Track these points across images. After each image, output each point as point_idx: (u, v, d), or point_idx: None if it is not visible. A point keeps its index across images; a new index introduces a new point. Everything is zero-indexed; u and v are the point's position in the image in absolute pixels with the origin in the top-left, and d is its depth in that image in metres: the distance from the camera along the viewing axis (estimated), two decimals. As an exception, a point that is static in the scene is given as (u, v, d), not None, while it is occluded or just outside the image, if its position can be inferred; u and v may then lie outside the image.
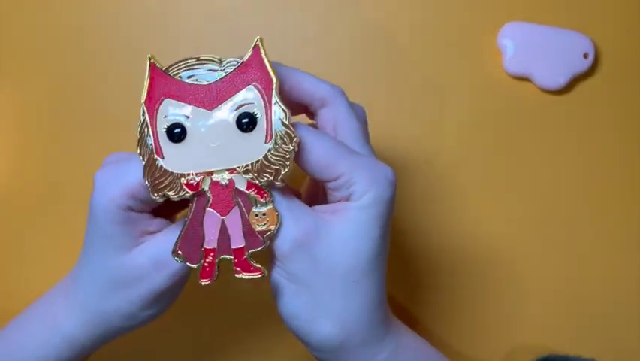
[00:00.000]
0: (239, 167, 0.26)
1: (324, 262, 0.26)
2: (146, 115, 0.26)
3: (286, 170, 0.25)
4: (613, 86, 0.42)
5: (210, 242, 0.27)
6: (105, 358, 0.37)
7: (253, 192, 0.26)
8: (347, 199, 0.27)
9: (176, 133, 0.26)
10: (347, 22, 0.42)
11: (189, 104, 0.26)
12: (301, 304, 0.27)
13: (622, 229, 0.41)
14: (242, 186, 0.26)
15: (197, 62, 0.26)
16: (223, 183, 0.26)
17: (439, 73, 0.42)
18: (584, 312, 0.41)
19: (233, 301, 0.40)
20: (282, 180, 0.26)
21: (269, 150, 0.25)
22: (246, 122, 0.25)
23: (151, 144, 0.26)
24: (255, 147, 0.26)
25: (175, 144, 0.26)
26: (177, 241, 0.27)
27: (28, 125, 0.41)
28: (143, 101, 0.26)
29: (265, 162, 0.26)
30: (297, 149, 0.25)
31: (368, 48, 0.41)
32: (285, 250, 0.26)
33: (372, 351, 0.28)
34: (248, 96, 0.25)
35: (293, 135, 0.25)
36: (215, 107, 0.26)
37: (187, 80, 0.26)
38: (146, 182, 0.26)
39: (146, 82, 0.26)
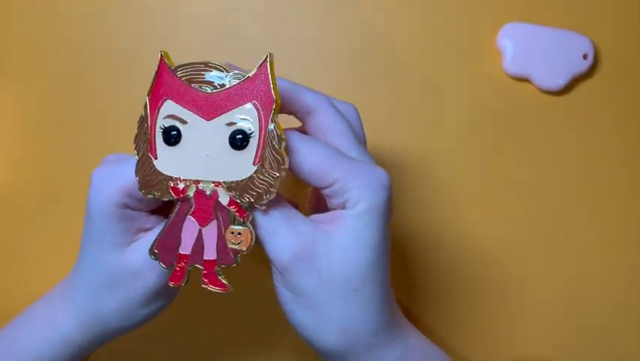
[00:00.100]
0: (224, 182, 0.25)
1: (324, 274, 0.26)
2: (148, 111, 0.26)
3: (269, 195, 0.25)
4: (613, 87, 0.42)
5: (185, 248, 0.27)
6: (105, 358, 0.37)
7: (233, 210, 0.26)
8: (343, 207, 0.27)
9: (173, 136, 0.26)
10: (347, 22, 0.42)
11: (189, 110, 0.25)
12: (305, 315, 0.27)
13: (622, 229, 0.41)
14: (224, 200, 0.26)
15: (205, 68, 0.25)
16: (207, 193, 0.26)
17: (438, 73, 0.42)
18: (584, 312, 0.41)
19: (233, 301, 0.40)
20: (264, 205, 0.25)
21: (255, 172, 0.25)
22: (239, 139, 0.25)
23: (147, 142, 0.26)
24: (242, 166, 0.25)
25: (169, 147, 0.26)
26: (156, 239, 0.27)
27: (28, 125, 0.41)
28: (147, 95, 0.26)
29: (250, 183, 0.25)
30: (283, 176, 0.25)
31: (368, 48, 0.42)
32: (285, 263, 0.26)
33: (381, 354, 0.28)
34: (246, 113, 0.25)
35: (282, 162, 0.25)
36: (213, 118, 0.25)
37: (192, 86, 0.25)
38: (137, 178, 0.26)
39: (154, 78, 0.26)
